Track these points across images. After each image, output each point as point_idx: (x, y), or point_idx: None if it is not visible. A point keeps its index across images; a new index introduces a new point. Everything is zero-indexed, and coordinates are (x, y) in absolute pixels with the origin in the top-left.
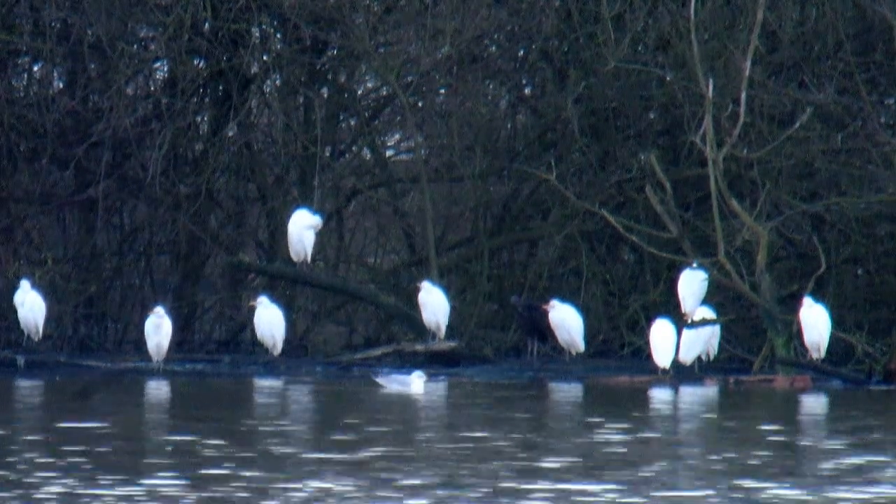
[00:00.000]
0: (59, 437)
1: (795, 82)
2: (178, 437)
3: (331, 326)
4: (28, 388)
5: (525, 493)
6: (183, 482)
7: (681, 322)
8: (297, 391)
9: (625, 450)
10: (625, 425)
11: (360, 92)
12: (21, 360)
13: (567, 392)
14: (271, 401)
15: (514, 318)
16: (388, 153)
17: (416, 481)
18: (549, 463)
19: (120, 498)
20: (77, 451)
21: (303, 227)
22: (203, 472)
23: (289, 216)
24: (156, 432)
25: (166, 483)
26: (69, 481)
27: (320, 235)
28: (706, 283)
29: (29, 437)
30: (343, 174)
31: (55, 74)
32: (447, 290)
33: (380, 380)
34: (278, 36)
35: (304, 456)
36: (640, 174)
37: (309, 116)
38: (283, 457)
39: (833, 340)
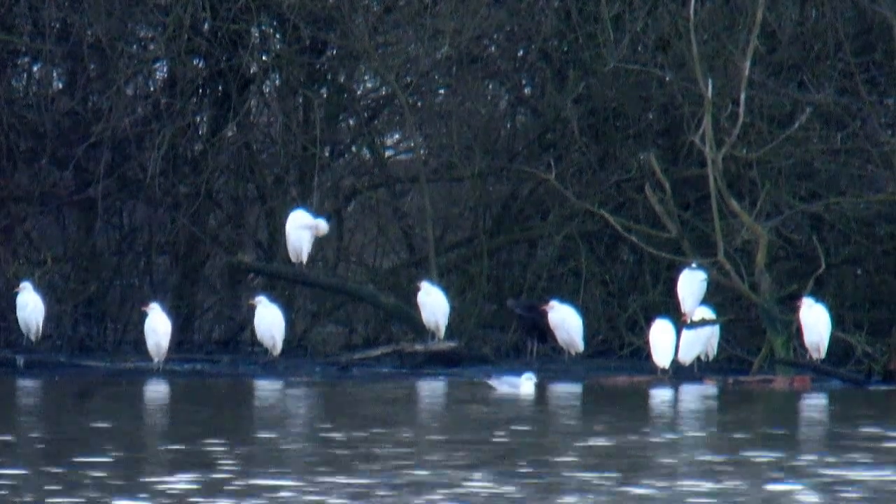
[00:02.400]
0: (58, 438)
1: (795, 82)
2: (177, 438)
3: (330, 326)
4: (28, 388)
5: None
6: (185, 484)
7: (680, 322)
8: (296, 391)
9: (624, 452)
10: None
11: (359, 92)
12: (21, 360)
13: (572, 392)
14: (272, 401)
15: (513, 319)
16: (388, 153)
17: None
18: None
19: (119, 499)
20: (76, 452)
21: (299, 227)
22: (208, 473)
23: (287, 216)
24: (155, 433)
25: (166, 484)
26: (68, 483)
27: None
28: (706, 284)
29: (28, 437)
30: (342, 174)
31: (55, 74)
32: (447, 290)
33: (491, 381)
34: (278, 36)
35: (304, 457)
36: (639, 174)
37: (308, 116)
38: (287, 455)
39: (833, 340)
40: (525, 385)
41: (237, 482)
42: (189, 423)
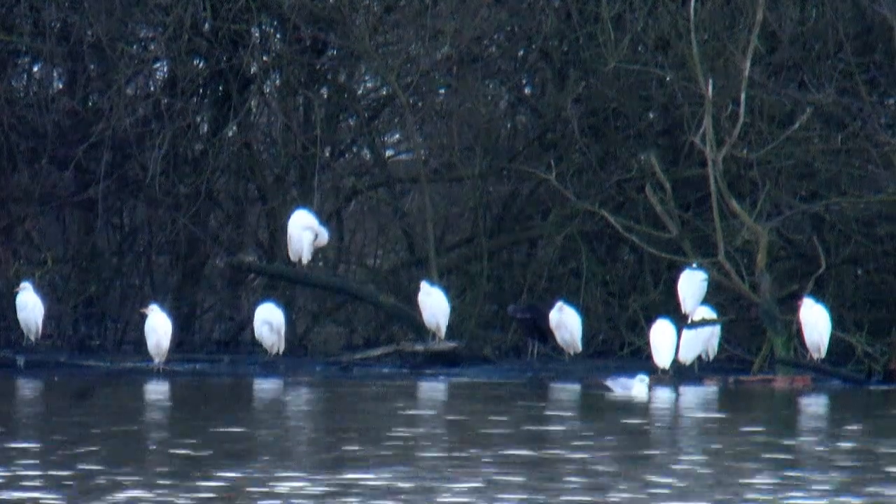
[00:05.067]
0: (58, 438)
1: (795, 82)
2: (177, 437)
3: (331, 326)
4: (28, 388)
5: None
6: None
7: (681, 322)
8: (297, 391)
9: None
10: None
11: (359, 92)
12: (21, 360)
13: (568, 392)
14: (272, 401)
15: (514, 320)
16: (388, 153)
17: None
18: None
19: (118, 499)
20: (77, 451)
21: (301, 228)
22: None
23: (289, 216)
24: (155, 433)
25: (165, 484)
26: (67, 482)
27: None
28: (706, 284)
29: (27, 438)
30: (343, 174)
31: (55, 74)
32: (447, 290)
33: (607, 382)
34: (278, 36)
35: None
36: (640, 174)
37: (309, 116)
38: (290, 455)
39: (833, 340)
40: (637, 386)
41: (237, 482)
42: (189, 423)
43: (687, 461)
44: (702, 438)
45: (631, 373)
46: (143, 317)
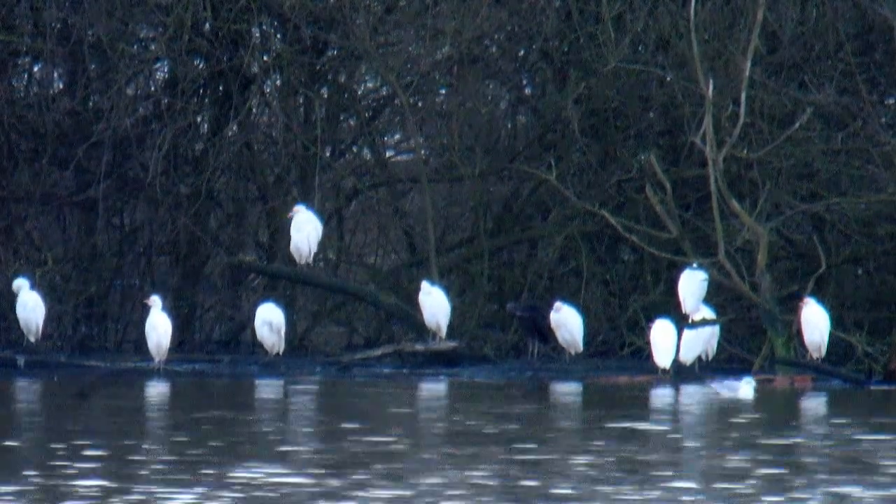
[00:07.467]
0: (58, 438)
1: (795, 82)
2: (177, 437)
3: (331, 326)
4: (28, 388)
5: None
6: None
7: (681, 322)
8: (297, 391)
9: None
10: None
11: (360, 92)
12: (21, 360)
13: (569, 392)
14: (272, 401)
15: (514, 319)
16: (389, 153)
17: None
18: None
19: (119, 499)
20: (76, 452)
21: (295, 230)
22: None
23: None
24: (155, 432)
25: (166, 484)
26: (67, 482)
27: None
28: (706, 284)
29: (27, 437)
30: (343, 174)
31: (55, 75)
32: (448, 290)
33: (713, 385)
34: (278, 36)
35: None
36: (640, 174)
37: (309, 116)
38: (281, 453)
39: (833, 340)
40: (744, 388)
41: (238, 482)
42: (189, 423)
43: (687, 463)
44: (700, 439)
45: (635, 372)
46: (146, 308)
